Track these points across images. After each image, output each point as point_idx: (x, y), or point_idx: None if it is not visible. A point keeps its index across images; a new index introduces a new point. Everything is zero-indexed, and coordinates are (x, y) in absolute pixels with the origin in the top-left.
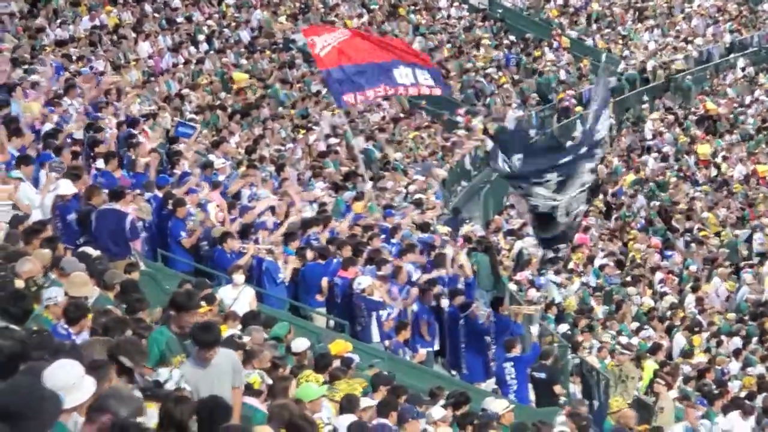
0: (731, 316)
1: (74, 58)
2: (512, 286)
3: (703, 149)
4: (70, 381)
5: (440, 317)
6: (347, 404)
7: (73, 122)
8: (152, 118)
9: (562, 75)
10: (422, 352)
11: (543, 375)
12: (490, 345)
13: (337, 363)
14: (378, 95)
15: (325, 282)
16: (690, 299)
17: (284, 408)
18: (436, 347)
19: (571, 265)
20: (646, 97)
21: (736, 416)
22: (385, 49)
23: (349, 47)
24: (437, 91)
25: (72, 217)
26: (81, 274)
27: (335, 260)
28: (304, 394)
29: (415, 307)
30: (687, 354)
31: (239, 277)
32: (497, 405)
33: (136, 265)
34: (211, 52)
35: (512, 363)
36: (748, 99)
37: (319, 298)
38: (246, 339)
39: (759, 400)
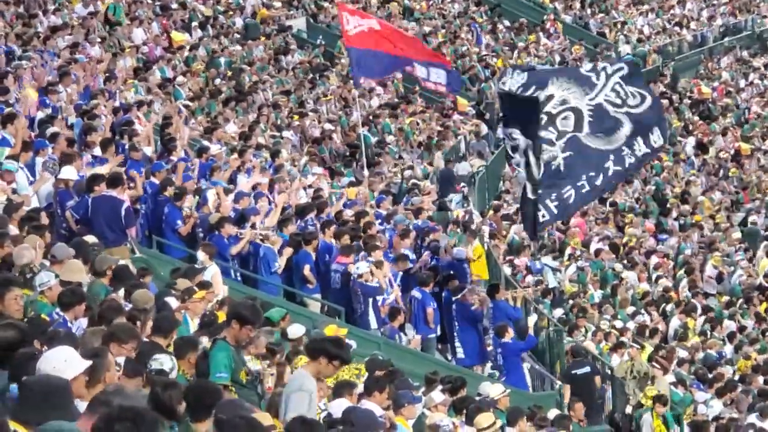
0: (724, 299)
1: (68, 45)
2: (506, 269)
3: (745, 146)
4: (60, 360)
5: (440, 302)
6: (340, 389)
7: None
8: (147, 105)
9: (557, 60)
10: (417, 338)
11: (587, 369)
12: (487, 329)
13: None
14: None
15: (307, 270)
16: (684, 283)
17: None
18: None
19: (568, 250)
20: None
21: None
22: (408, 46)
23: (374, 35)
24: (442, 89)
25: (71, 203)
26: (75, 261)
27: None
28: None
29: (418, 294)
30: (681, 337)
31: (203, 255)
32: (493, 390)
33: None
34: (206, 38)
35: (500, 349)
36: (742, 83)
37: (309, 286)
38: None
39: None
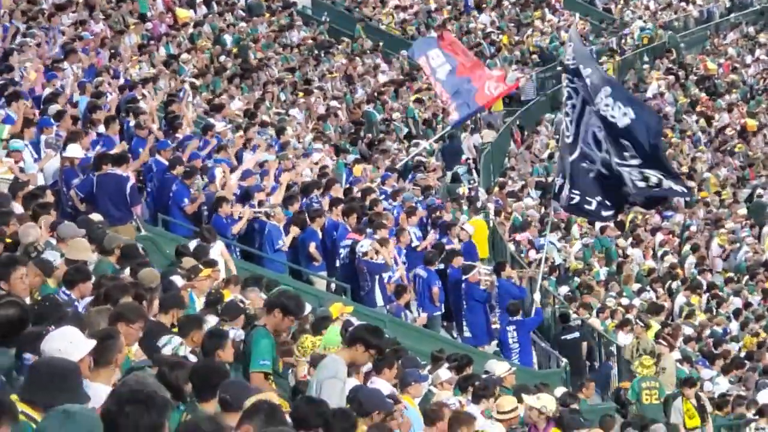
0: (727, 275)
1: (73, 22)
2: (510, 246)
3: (751, 122)
4: (65, 342)
5: (445, 280)
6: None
7: (70, 87)
8: (152, 81)
9: (563, 36)
10: (423, 316)
11: (576, 334)
12: (493, 308)
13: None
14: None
15: (312, 248)
16: (691, 260)
17: None
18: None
19: (574, 228)
20: (646, 58)
21: None
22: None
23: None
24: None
25: (76, 182)
26: (81, 240)
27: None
28: (329, 341)
29: (423, 273)
30: (688, 315)
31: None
32: (499, 367)
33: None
34: (210, 14)
35: (515, 327)
36: (748, 59)
37: (315, 264)
38: (247, 303)
39: None
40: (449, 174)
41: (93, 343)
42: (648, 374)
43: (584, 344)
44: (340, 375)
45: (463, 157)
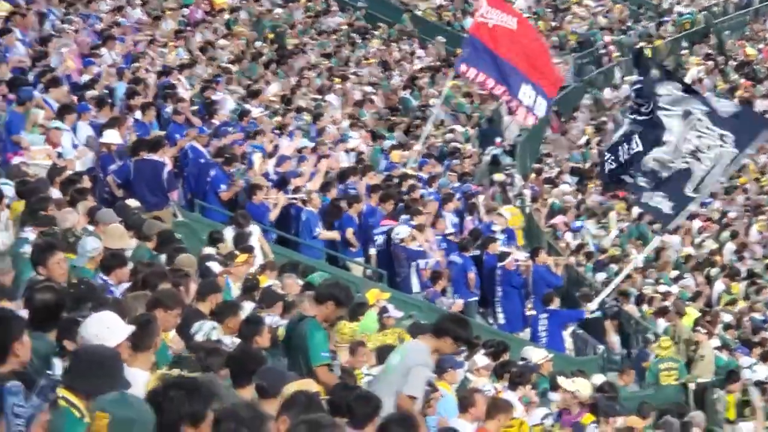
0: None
1: (111, 8)
2: (547, 234)
3: None
4: (103, 327)
5: (480, 266)
6: (384, 354)
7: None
8: (188, 68)
9: (602, 22)
10: (459, 302)
11: (598, 314)
12: (529, 295)
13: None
14: (493, 90)
15: (350, 233)
16: (729, 246)
17: None
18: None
19: (611, 214)
20: (685, 43)
21: None
22: (527, 57)
23: (502, 36)
24: (531, 120)
25: (113, 167)
26: (118, 226)
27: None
28: (366, 327)
29: (459, 260)
30: (727, 302)
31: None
32: (536, 354)
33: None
34: (245, 0)
35: (547, 315)
36: None
37: (352, 250)
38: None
39: None
40: (486, 158)
41: (131, 329)
42: (666, 355)
43: (608, 323)
44: (429, 363)
45: (497, 140)
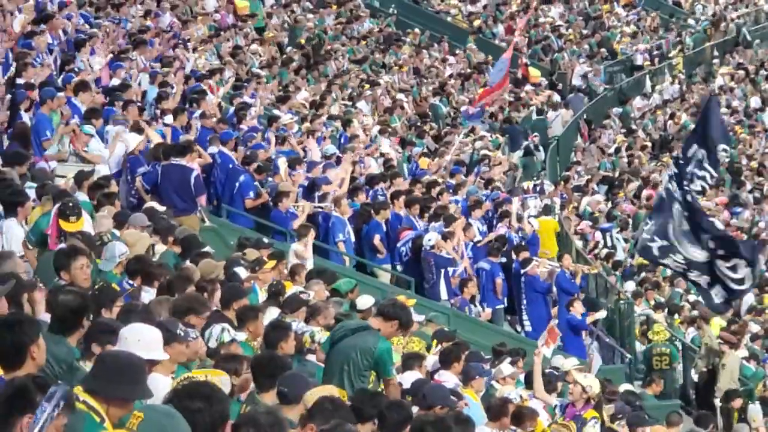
0: None
1: (141, 13)
2: (578, 243)
3: None
4: (145, 343)
5: (509, 275)
6: (409, 361)
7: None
8: (219, 73)
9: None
10: (488, 311)
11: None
12: (555, 301)
13: None
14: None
15: (377, 240)
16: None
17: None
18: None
19: (642, 225)
20: (716, 52)
21: None
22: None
23: None
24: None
25: (142, 170)
26: (134, 232)
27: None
28: None
29: (487, 266)
30: (759, 312)
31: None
32: (567, 362)
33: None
34: (277, 6)
35: (557, 323)
36: None
37: (379, 256)
38: (311, 295)
39: None
40: (517, 152)
41: (166, 357)
42: (659, 341)
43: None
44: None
45: (532, 134)
